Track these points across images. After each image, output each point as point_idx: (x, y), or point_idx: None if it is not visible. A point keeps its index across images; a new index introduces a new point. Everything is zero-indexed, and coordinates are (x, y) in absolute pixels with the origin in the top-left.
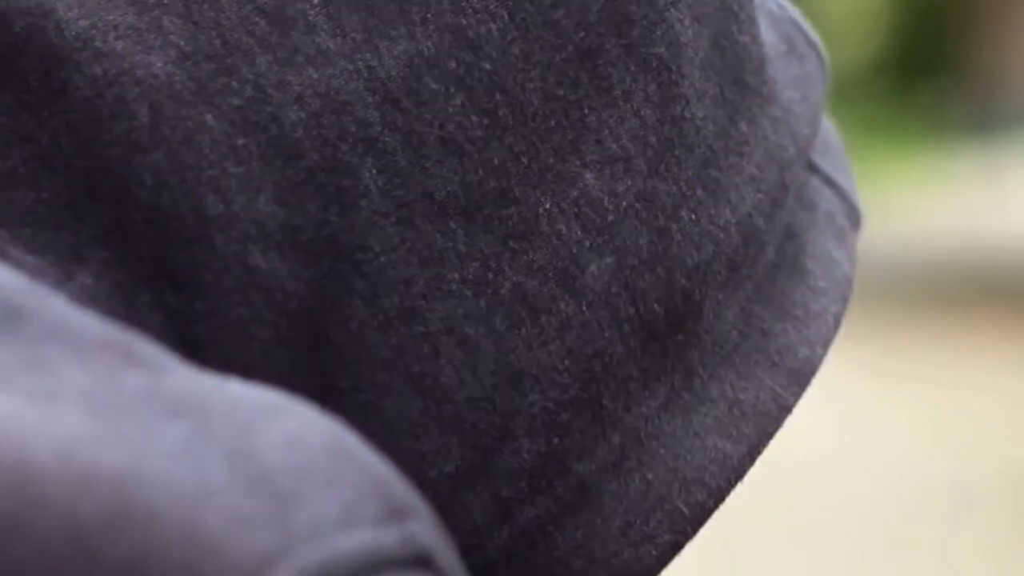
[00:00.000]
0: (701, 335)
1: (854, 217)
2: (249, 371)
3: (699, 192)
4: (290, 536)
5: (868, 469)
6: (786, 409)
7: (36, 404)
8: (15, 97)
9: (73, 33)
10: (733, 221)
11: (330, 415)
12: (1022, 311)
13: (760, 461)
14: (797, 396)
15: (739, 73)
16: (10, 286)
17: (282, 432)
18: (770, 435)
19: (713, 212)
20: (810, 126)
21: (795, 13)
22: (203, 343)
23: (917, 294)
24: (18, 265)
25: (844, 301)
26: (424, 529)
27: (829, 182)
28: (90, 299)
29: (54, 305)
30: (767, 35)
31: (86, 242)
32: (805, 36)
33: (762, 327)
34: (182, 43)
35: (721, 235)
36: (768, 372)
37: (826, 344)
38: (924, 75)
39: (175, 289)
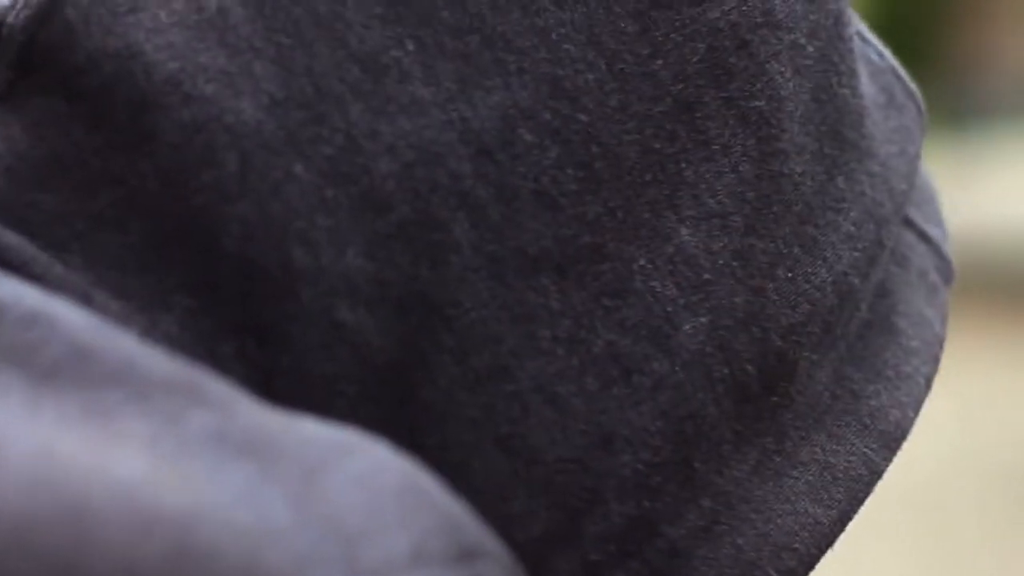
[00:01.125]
0: (794, 396)
1: (946, 272)
2: None
3: (796, 250)
4: (357, 575)
5: None
6: (877, 474)
7: (98, 449)
8: (106, 139)
9: (162, 76)
10: (829, 280)
11: (406, 454)
12: (1001, 301)
13: None
14: (888, 460)
15: (838, 127)
16: (78, 324)
17: (353, 472)
18: (861, 501)
19: (809, 270)
20: (907, 181)
21: (894, 63)
22: (287, 398)
23: None
24: (103, 311)
25: (935, 362)
26: (495, 571)
27: (923, 236)
28: (174, 348)
29: (121, 343)
30: (866, 86)
31: (172, 289)
32: (904, 86)
33: (853, 388)
34: (273, 89)
35: (817, 294)
36: (859, 435)
37: (917, 407)
38: (903, 67)
39: (259, 342)
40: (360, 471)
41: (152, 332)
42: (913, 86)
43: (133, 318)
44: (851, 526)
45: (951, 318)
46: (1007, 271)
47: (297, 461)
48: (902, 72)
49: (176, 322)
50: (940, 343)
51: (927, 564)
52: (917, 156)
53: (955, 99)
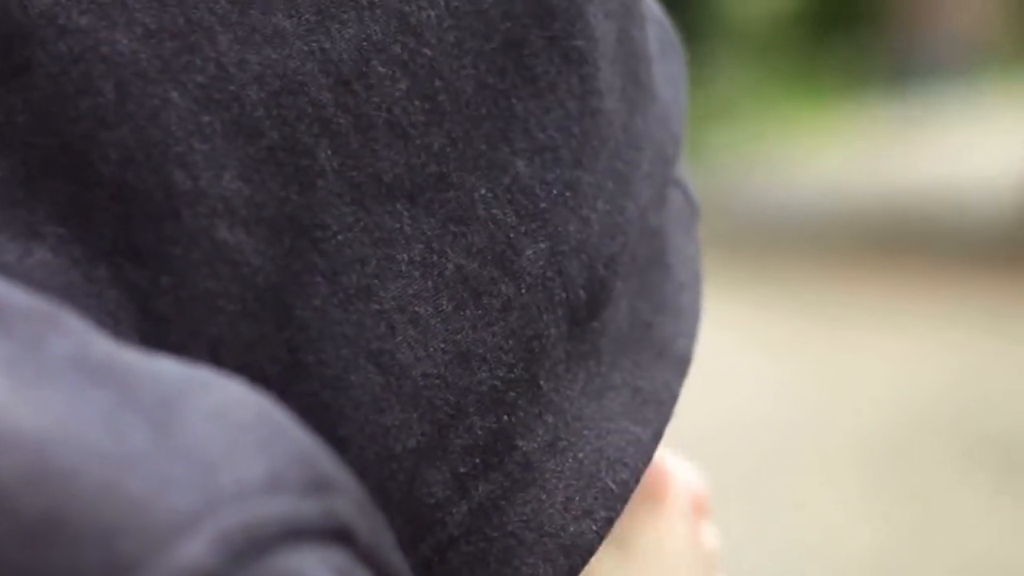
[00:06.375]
0: (607, 323)
1: (694, 211)
2: (216, 344)
3: (611, 184)
4: (214, 498)
5: (785, 414)
6: (675, 397)
7: None
8: None
9: (37, 10)
10: (636, 215)
11: (295, 388)
12: (934, 259)
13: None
14: (681, 385)
15: (635, 69)
16: None
17: (209, 404)
18: (667, 420)
19: (621, 203)
20: (680, 125)
21: (660, 13)
22: (167, 317)
23: (833, 243)
24: None
25: (700, 296)
26: (348, 505)
27: (672, 179)
28: (49, 273)
29: None
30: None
31: (43, 219)
32: (670, 35)
33: (644, 319)
34: (147, 20)
35: (628, 227)
36: (655, 362)
37: (695, 336)
38: (841, 27)
39: (137, 264)
40: (216, 404)
41: (26, 259)
42: (676, 37)
43: (6, 247)
44: (824, 491)
45: (892, 273)
46: (947, 230)
47: (154, 391)
48: (667, 21)
49: (50, 250)
50: (701, 278)
51: (901, 531)
52: (684, 103)
53: (895, 58)
